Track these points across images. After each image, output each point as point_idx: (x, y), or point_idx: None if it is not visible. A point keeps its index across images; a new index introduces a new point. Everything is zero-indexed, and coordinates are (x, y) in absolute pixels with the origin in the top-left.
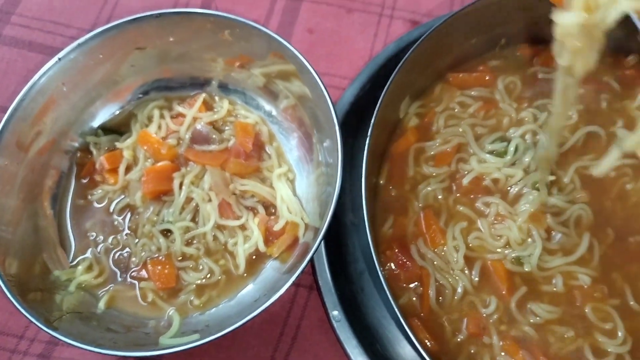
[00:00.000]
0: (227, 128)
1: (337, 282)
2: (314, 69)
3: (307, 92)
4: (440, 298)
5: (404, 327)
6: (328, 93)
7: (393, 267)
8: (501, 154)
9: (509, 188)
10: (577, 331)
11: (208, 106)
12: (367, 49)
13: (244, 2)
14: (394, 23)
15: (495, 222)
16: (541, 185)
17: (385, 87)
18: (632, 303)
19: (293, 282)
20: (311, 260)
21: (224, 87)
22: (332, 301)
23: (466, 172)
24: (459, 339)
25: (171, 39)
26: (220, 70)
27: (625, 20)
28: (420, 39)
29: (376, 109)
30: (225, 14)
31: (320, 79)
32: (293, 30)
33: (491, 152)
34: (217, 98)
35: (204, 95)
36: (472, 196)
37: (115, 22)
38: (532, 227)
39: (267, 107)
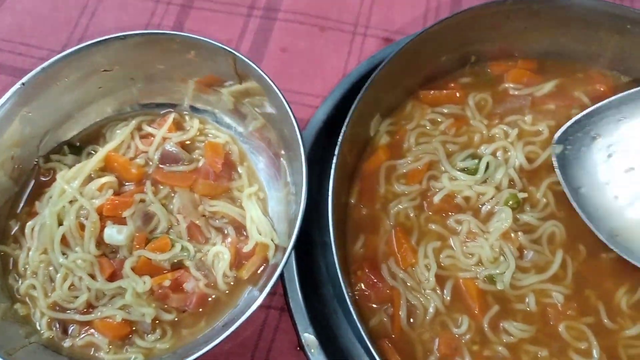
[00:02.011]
0: (197, 148)
1: (310, 303)
2: (277, 87)
3: (274, 111)
4: (412, 319)
5: (374, 350)
6: (292, 110)
7: (364, 288)
8: (472, 172)
9: (480, 206)
10: (551, 350)
11: (178, 126)
12: (341, 67)
13: (216, 22)
14: (367, 41)
15: (467, 240)
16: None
17: (353, 106)
18: (605, 321)
19: (259, 306)
20: (282, 281)
21: (194, 108)
22: (303, 323)
23: (437, 190)
24: None
25: (138, 61)
26: (190, 90)
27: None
28: (388, 58)
29: (343, 127)
30: (189, 35)
31: (284, 96)
32: (266, 50)
33: (462, 170)
34: (187, 117)
35: (174, 114)
36: (443, 214)
37: (79, 46)
38: (504, 245)
39: (238, 127)
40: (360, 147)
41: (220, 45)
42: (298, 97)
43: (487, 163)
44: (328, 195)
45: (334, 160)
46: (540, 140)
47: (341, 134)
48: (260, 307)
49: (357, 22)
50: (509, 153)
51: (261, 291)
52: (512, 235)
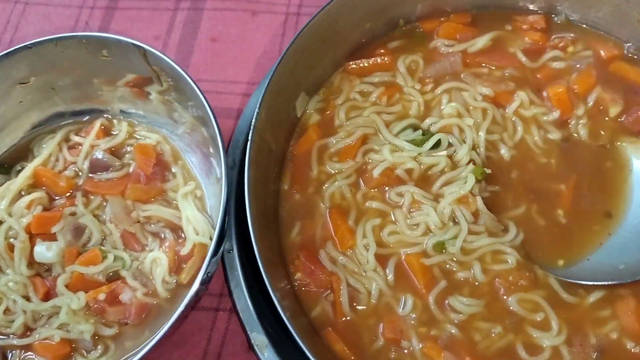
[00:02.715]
0: (128, 152)
1: (257, 301)
2: (189, 75)
3: (195, 104)
4: (355, 303)
5: (302, 342)
6: (204, 95)
7: (302, 277)
8: (417, 144)
9: (437, 172)
10: (505, 326)
11: (107, 131)
12: (275, 51)
13: (142, 20)
14: (301, 20)
15: (412, 210)
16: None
17: (264, 88)
18: (565, 296)
19: (183, 309)
20: (226, 281)
21: (126, 113)
22: (251, 322)
23: (377, 163)
24: (377, 346)
25: (53, 69)
26: (118, 94)
27: None
28: (296, 35)
29: (256, 109)
30: (94, 34)
31: (196, 84)
32: (195, 42)
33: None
34: (115, 122)
35: (100, 120)
36: (384, 188)
37: None
38: (457, 209)
39: (171, 126)
40: (289, 129)
41: (126, 39)
42: (233, 86)
43: (439, 140)
44: (244, 184)
45: (248, 147)
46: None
47: (254, 118)
48: (207, 310)
49: (289, 1)
50: (465, 135)
51: (199, 293)
52: (470, 199)
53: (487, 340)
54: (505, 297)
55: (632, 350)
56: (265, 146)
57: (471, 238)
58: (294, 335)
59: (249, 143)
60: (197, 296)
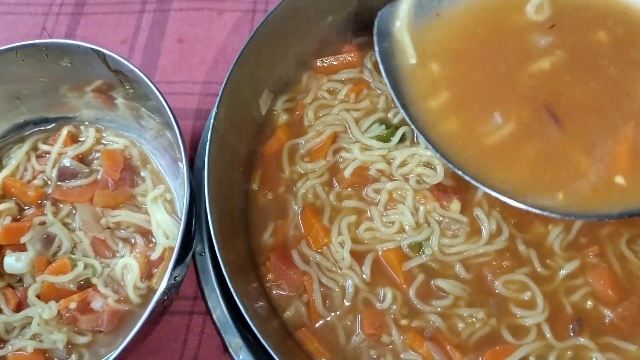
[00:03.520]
0: (97, 158)
1: (233, 304)
2: (149, 78)
3: (159, 108)
4: (328, 302)
5: (269, 345)
6: (167, 102)
7: (274, 278)
8: (383, 138)
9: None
10: (489, 311)
11: (74, 138)
12: None
13: (109, 24)
14: None
15: (388, 207)
16: None
17: (222, 86)
18: (539, 269)
19: (149, 315)
20: (199, 284)
21: (95, 119)
22: (226, 325)
23: (349, 162)
24: (355, 343)
25: (16, 78)
26: (84, 101)
27: None
28: (254, 31)
29: (214, 109)
30: (52, 41)
31: (156, 87)
32: (162, 43)
33: (373, 138)
34: (82, 128)
35: (67, 128)
36: (357, 187)
37: None
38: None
39: (139, 130)
40: (255, 129)
41: (84, 44)
42: (201, 87)
43: (404, 133)
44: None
45: (207, 148)
46: None
47: (212, 118)
48: (182, 314)
49: None
50: None
51: (170, 297)
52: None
53: (471, 327)
54: (491, 279)
55: (609, 315)
56: (228, 146)
57: (449, 242)
58: (259, 337)
59: (208, 144)
60: (168, 300)
